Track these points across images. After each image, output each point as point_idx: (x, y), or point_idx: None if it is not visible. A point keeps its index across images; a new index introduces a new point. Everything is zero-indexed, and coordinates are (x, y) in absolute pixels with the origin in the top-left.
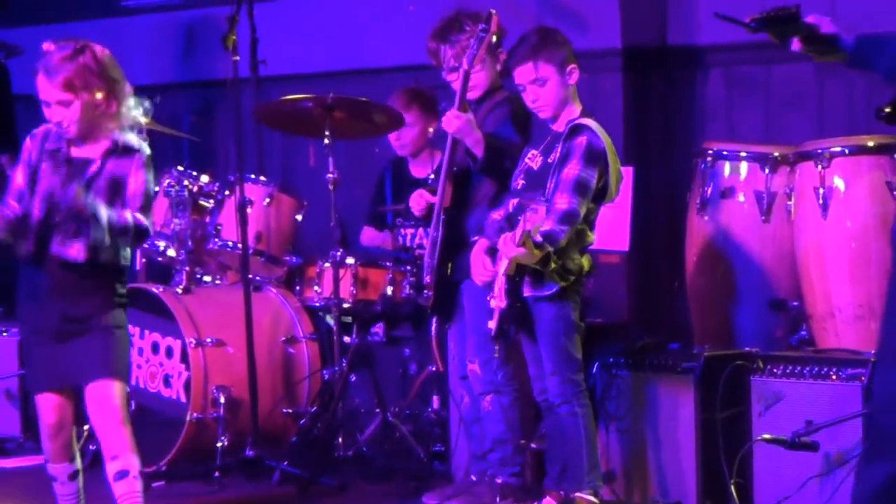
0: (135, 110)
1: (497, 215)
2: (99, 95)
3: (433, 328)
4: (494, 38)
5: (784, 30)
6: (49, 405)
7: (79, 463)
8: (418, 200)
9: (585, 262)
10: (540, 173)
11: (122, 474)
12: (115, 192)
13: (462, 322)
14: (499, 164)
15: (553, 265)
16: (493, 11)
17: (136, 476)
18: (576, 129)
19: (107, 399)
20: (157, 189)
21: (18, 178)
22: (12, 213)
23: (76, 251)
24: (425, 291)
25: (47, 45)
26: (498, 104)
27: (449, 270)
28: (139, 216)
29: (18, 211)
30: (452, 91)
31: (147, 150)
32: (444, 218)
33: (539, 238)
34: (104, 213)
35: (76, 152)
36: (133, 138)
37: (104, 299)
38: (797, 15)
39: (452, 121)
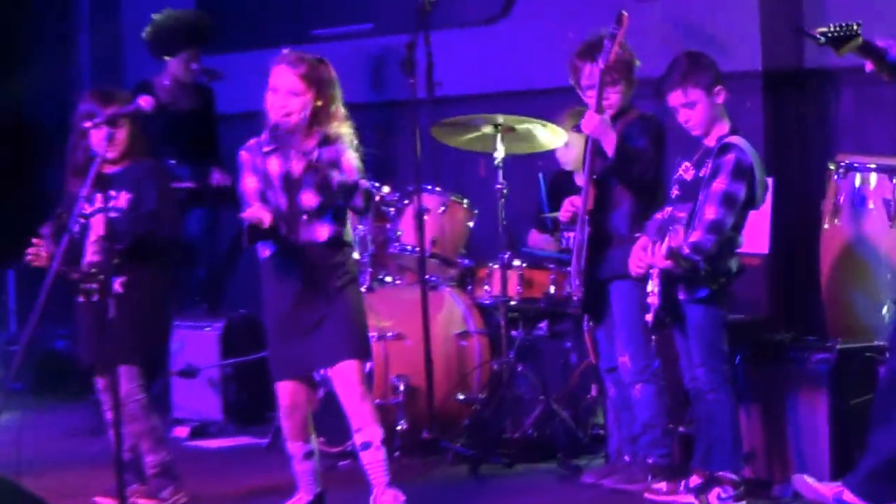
0: (344, 124)
1: (659, 216)
2: (319, 103)
3: (585, 325)
4: (628, 56)
5: (845, 46)
6: (286, 391)
7: (314, 443)
8: (566, 207)
9: (734, 264)
10: (692, 184)
11: (366, 445)
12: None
13: (611, 319)
14: (629, 169)
15: (702, 272)
16: (625, 13)
17: (379, 446)
18: (725, 148)
19: (348, 378)
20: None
21: (250, 183)
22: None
23: (322, 231)
24: (574, 293)
25: (286, 50)
26: (632, 122)
27: (596, 270)
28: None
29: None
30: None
31: (349, 131)
32: (587, 220)
33: (687, 250)
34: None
35: (305, 144)
36: (337, 128)
37: (342, 278)
38: (856, 34)
39: (590, 120)
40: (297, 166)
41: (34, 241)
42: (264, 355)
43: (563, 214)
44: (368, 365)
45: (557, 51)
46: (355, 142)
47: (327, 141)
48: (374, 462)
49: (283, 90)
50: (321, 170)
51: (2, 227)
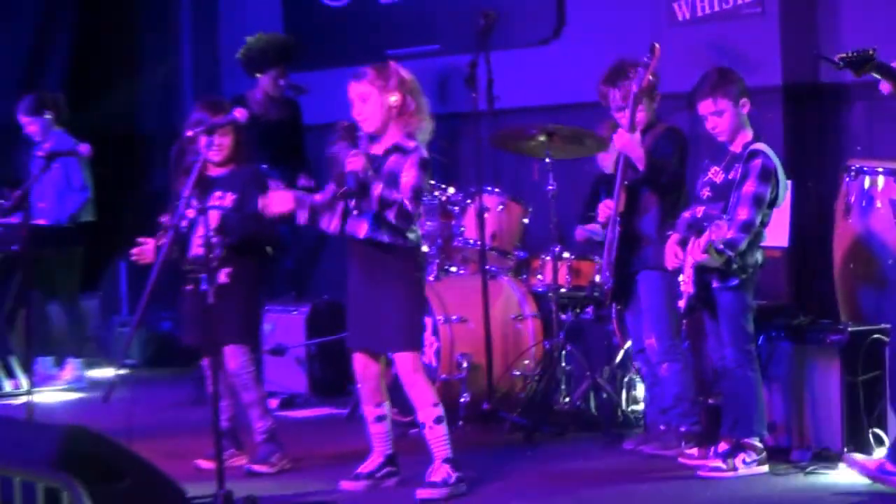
0: (426, 128)
1: (687, 214)
2: (393, 99)
3: (613, 311)
4: (652, 77)
5: (862, 68)
6: (358, 360)
7: (386, 409)
8: (602, 209)
9: (760, 256)
10: (722, 187)
11: (421, 425)
12: (392, 184)
13: (638, 306)
14: (657, 179)
15: (734, 265)
16: (657, 45)
17: (432, 426)
18: (753, 154)
19: (403, 367)
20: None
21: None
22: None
23: (360, 228)
24: (603, 284)
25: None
26: (660, 134)
27: (626, 263)
28: (406, 204)
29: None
30: (620, 126)
31: (424, 152)
32: (619, 221)
33: (721, 246)
34: (378, 187)
35: (373, 149)
36: (412, 141)
37: (393, 272)
38: (872, 57)
39: (621, 138)
40: (352, 164)
41: (139, 240)
42: (344, 336)
43: (599, 216)
44: (435, 345)
45: (601, 68)
46: (425, 156)
47: (396, 150)
48: (431, 438)
49: (356, 99)
50: (368, 176)
51: (115, 225)
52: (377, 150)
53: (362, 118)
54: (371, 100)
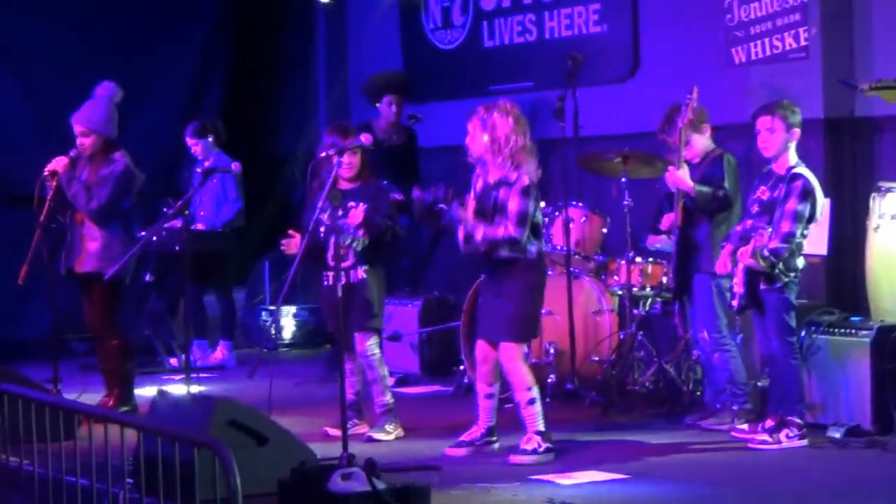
0: (532, 161)
1: (738, 228)
2: (485, 139)
3: (676, 307)
4: (696, 104)
5: (890, 94)
6: (480, 346)
7: (496, 389)
8: (665, 220)
9: (800, 262)
10: (768, 203)
11: (517, 404)
12: (500, 211)
13: (694, 303)
14: (708, 202)
15: (777, 270)
16: (696, 87)
17: (524, 405)
18: (795, 176)
19: (507, 355)
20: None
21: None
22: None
23: (478, 232)
24: (668, 284)
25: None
26: (714, 160)
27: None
28: (511, 229)
29: None
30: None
31: (526, 181)
32: (677, 233)
33: (766, 253)
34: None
35: (488, 177)
36: (515, 172)
37: (518, 281)
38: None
39: (670, 175)
40: (476, 183)
41: (290, 232)
42: (452, 325)
43: (662, 226)
44: None
45: (669, 102)
46: (527, 184)
47: (503, 184)
48: (525, 415)
49: (469, 130)
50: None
51: (260, 232)
52: (490, 179)
53: (470, 147)
54: (475, 133)
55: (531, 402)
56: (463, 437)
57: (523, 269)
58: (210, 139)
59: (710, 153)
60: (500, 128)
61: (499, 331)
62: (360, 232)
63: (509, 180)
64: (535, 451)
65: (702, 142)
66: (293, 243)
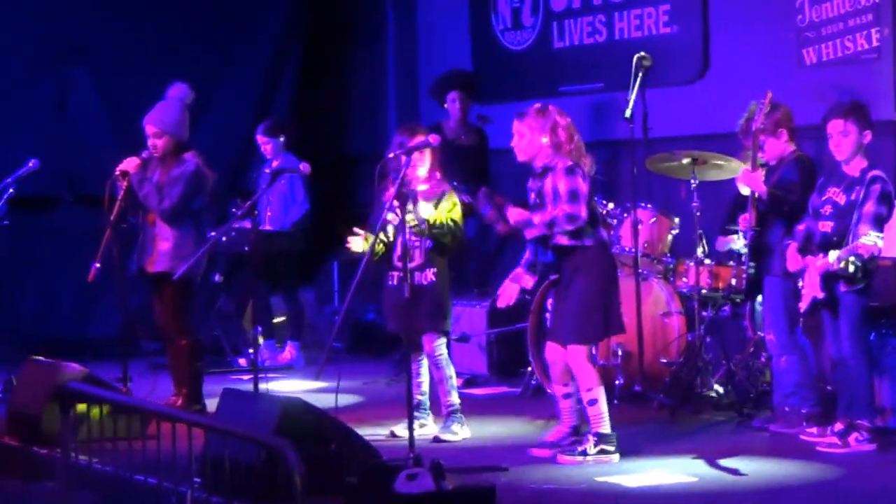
0: (584, 164)
1: (802, 227)
2: (544, 140)
3: (748, 308)
4: (768, 108)
5: None
6: (549, 348)
7: (572, 388)
8: (741, 220)
9: (875, 265)
10: (845, 208)
11: (587, 402)
12: (552, 197)
13: (764, 306)
14: (780, 204)
15: (858, 273)
16: (769, 91)
17: (586, 405)
18: (874, 179)
19: (573, 357)
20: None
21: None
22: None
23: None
24: (738, 286)
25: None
26: (790, 162)
27: (756, 269)
28: (565, 207)
29: None
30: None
31: (568, 161)
32: (752, 234)
33: (852, 258)
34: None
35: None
36: (557, 158)
37: (581, 278)
38: None
39: (743, 176)
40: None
41: (354, 230)
42: (519, 327)
43: (739, 226)
44: None
45: (739, 104)
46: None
47: (547, 171)
48: (588, 415)
49: (515, 134)
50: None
51: (329, 231)
52: (537, 171)
53: (517, 150)
54: (526, 137)
55: (592, 402)
56: (547, 437)
57: (586, 261)
58: (281, 139)
59: (788, 155)
60: (561, 127)
61: (564, 332)
62: (418, 242)
63: (552, 165)
64: (584, 453)
65: (777, 145)
66: (357, 241)
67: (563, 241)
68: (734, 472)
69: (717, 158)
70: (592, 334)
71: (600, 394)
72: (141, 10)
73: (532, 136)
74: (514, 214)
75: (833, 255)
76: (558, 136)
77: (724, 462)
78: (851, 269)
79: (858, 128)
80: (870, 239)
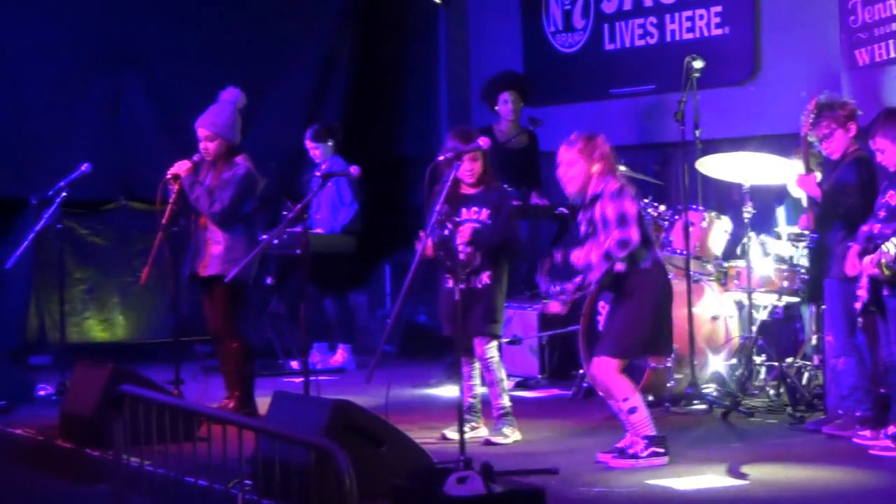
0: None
1: (865, 228)
2: (595, 169)
3: (810, 310)
4: (812, 117)
5: None
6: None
7: (633, 401)
8: (801, 221)
9: None
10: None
11: (620, 412)
12: (603, 224)
13: (824, 308)
14: (836, 206)
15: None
16: (814, 98)
17: (627, 415)
18: None
19: (603, 368)
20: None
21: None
22: None
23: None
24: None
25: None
26: (849, 162)
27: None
28: (615, 233)
29: None
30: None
31: (612, 185)
32: (807, 237)
33: (893, 263)
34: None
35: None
36: (602, 183)
37: (631, 296)
38: None
39: (798, 181)
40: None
41: (421, 233)
42: (571, 329)
43: (800, 226)
44: None
45: (791, 105)
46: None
47: (596, 199)
48: (628, 423)
49: (563, 163)
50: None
51: (381, 234)
52: (587, 200)
53: (565, 180)
54: (576, 166)
55: (632, 410)
56: (617, 444)
57: (642, 283)
58: (329, 143)
59: (850, 154)
60: (609, 155)
61: (602, 345)
62: (469, 249)
63: (598, 192)
64: (635, 456)
65: (844, 140)
66: (427, 246)
67: (621, 268)
68: (786, 475)
69: (768, 160)
70: (627, 351)
71: (639, 400)
72: (193, 14)
73: (582, 165)
74: (576, 258)
75: (867, 259)
76: (607, 163)
77: (776, 465)
78: (887, 272)
79: (891, 141)
80: (892, 244)
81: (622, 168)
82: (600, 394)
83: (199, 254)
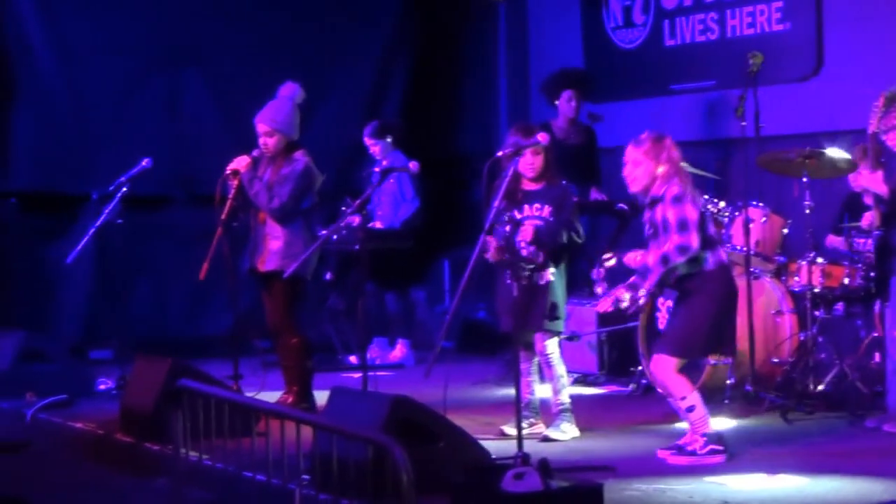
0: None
1: None
2: (660, 170)
3: (877, 307)
4: (881, 111)
5: None
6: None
7: (691, 400)
8: (865, 219)
9: None
10: None
11: (679, 410)
12: (664, 228)
13: (889, 305)
14: None
15: None
16: (883, 94)
17: (685, 413)
18: None
19: (662, 366)
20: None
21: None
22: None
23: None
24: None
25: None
26: None
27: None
28: (675, 238)
29: None
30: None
31: (674, 189)
32: (873, 234)
33: None
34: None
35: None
36: (663, 186)
37: (693, 296)
38: None
39: (863, 178)
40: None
41: (487, 238)
42: (630, 325)
43: (863, 224)
44: None
45: (854, 101)
46: (675, 192)
47: (656, 202)
48: (687, 420)
49: (629, 162)
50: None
51: (441, 230)
52: (647, 201)
53: (630, 179)
54: (641, 167)
55: (690, 409)
56: (677, 441)
57: (705, 283)
58: (388, 139)
59: None
60: (676, 157)
61: (662, 343)
62: (532, 248)
63: (660, 195)
64: (694, 453)
65: None
66: (490, 248)
67: (682, 271)
68: (846, 473)
69: (830, 156)
70: (687, 351)
71: (697, 398)
72: (252, 10)
73: (648, 165)
74: (631, 261)
75: None
76: (672, 166)
77: (835, 463)
78: None
79: None
80: None
81: (683, 164)
82: (659, 390)
83: (258, 249)
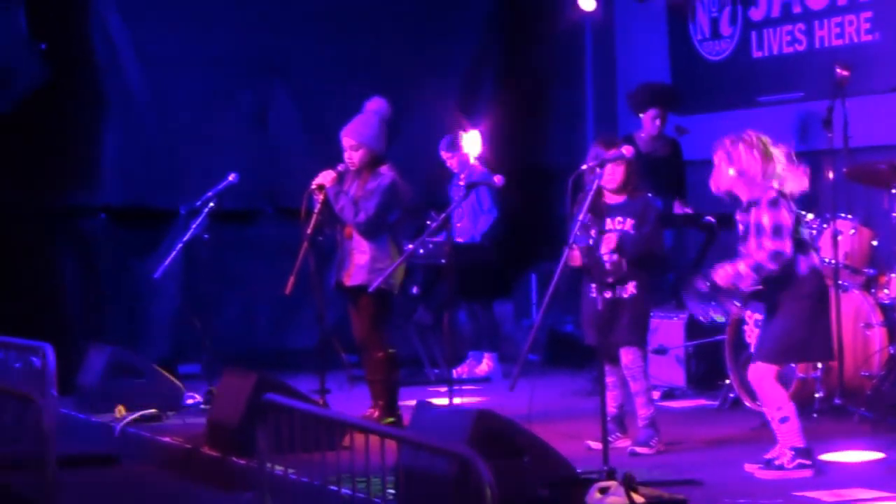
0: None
1: None
2: (731, 172)
3: None
4: None
5: None
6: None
7: (786, 411)
8: None
9: None
10: None
11: (771, 421)
12: (758, 232)
13: None
14: None
15: None
16: None
17: (778, 424)
18: None
19: (755, 375)
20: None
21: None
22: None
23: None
24: None
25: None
26: None
27: None
28: (768, 244)
29: None
30: None
31: (771, 194)
32: None
33: None
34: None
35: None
36: (768, 185)
37: (786, 302)
38: None
39: None
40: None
41: (573, 245)
42: (718, 339)
43: None
44: None
45: None
46: (771, 197)
47: (752, 206)
48: (777, 432)
49: (715, 166)
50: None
51: (528, 242)
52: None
53: (715, 181)
54: (719, 168)
55: (783, 420)
56: (765, 455)
57: (798, 287)
58: (464, 152)
59: None
60: (747, 161)
61: (759, 352)
62: (615, 257)
63: (755, 199)
64: (781, 467)
65: None
66: (574, 255)
67: (774, 275)
68: None
69: None
70: (783, 355)
71: (791, 410)
72: (339, 25)
73: (720, 167)
74: (722, 277)
75: None
76: (744, 169)
77: None
78: None
79: None
80: None
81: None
82: (747, 404)
83: (344, 264)
